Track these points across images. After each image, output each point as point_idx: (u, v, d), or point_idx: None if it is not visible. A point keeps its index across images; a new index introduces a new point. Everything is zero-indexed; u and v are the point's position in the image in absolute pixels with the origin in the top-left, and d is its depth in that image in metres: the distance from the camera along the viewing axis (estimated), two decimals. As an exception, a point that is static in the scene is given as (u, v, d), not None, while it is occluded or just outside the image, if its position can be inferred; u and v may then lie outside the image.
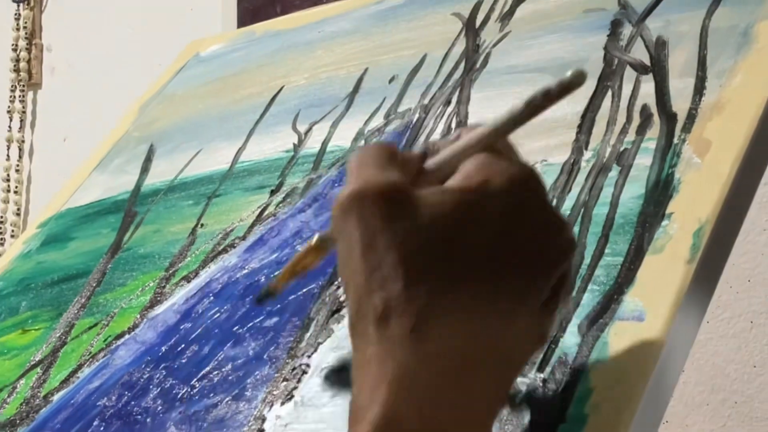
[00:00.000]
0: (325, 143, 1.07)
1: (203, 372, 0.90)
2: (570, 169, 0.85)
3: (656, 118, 0.84)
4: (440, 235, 0.60)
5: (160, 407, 0.90)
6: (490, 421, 0.61)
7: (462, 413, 0.59)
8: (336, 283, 0.90)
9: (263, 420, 0.82)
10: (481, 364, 0.60)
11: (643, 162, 0.81)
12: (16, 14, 2.59)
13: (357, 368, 0.60)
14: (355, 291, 0.61)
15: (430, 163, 0.65)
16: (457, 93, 1.00)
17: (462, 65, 1.03)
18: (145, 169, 1.24)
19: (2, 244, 2.52)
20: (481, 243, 0.60)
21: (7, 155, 2.56)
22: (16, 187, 2.56)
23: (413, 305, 0.59)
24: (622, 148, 0.83)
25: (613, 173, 0.82)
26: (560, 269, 0.63)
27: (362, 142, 1.04)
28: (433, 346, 0.59)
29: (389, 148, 0.65)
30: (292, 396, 0.81)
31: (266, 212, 1.04)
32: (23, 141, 2.58)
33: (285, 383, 0.84)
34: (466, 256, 0.60)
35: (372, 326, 0.59)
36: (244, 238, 1.03)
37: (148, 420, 0.90)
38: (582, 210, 0.81)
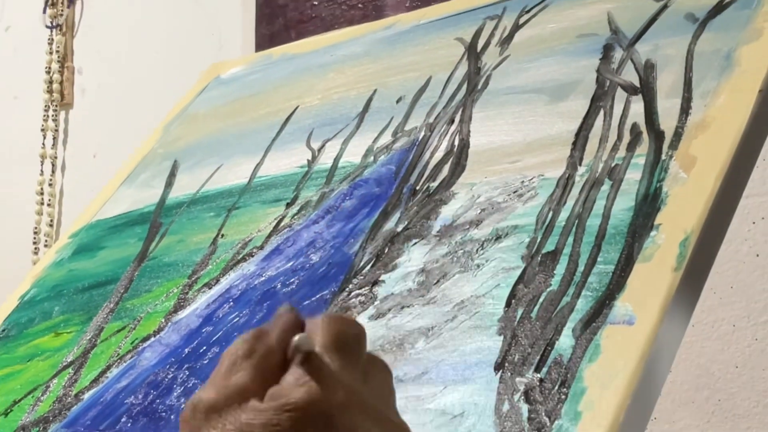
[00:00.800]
0: (336, 159, 1.07)
1: (224, 372, 0.90)
2: (565, 183, 0.85)
3: (645, 135, 0.84)
4: None
5: (183, 405, 0.90)
6: None
7: None
8: (347, 289, 0.90)
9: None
10: None
11: (633, 176, 0.81)
12: (49, 39, 2.59)
13: None
14: None
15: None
16: (459, 112, 1.00)
17: (464, 86, 1.03)
18: (169, 184, 1.24)
19: (36, 253, 2.52)
20: None
21: (41, 170, 2.57)
22: (50, 200, 2.56)
23: None
24: (613, 164, 0.83)
25: (605, 187, 0.82)
26: None
27: (371, 158, 1.04)
28: None
29: (249, 344, 0.60)
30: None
31: (282, 223, 1.04)
32: (56, 157, 2.58)
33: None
34: None
35: None
36: (261, 247, 1.03)
37: (172, 417, 0.90)
38: (576, 221, 0.81)
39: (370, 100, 1.12)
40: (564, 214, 0.82)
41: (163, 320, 1.02)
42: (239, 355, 0.58)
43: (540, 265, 0.79)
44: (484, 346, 0.77)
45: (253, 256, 1.02)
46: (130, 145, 1.41)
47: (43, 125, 2.58)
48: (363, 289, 0.89)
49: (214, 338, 0.95)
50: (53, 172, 2.58)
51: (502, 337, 0.76)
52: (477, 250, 0.84)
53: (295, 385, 0.56)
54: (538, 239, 0.82)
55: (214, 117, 1.32)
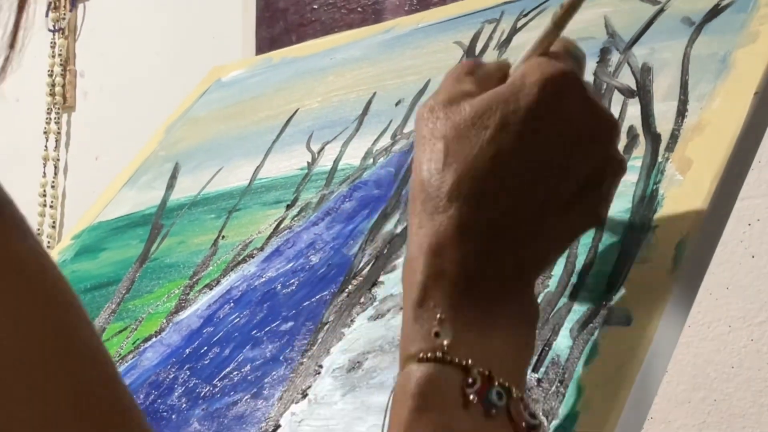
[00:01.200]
0: (336, 161, 1.07)
1: (224, 372, 0.90)
2: (562, 185, 0.85)
3: (642, 138, 0.84)
4: (478, 126, 0.64)
5: (184, 405, 0.90)
6: (527, 285, 0.65)
7: (500, 280, 0.63)
8: (346, 290, 0.90)
9: (279, 417, 0.82)
10: (520, 236, 0.64)
11: (630, 179, 0.81)
12: (51, 43, 2.59)
13: (410, 238, 0.64)
14: (413, 177, 0.66)
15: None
16: (458, 115, 1.00)
17: (462, 89, 1.03)
18: (170, 186, 1.24)
19: (39, 255, 2.52)
20: (516, 129, 0.64)
21: (44, 173, 2.57)
22: (52, 202, 2.56)
23: (451, 184, 0.63)
24: (610, 166, 0.83)
25: (603, 189, 0.82)
26: (599, 152, 0.66)
27: (370, 160, 1.04)
28: (467, 216, 0.62)
29: (469, 64, 0.71)
30: (306, 394, 0.81)
31: (282, 225, 1.04)
32: (58, 160, 2.58)
33: (300, 382, 0.84)
34: (500, 143, 0.64)
35: (419, 202, 0.64)
36: (261, 249, 1.03)
37: (174, 416, 0.90)
38: (573, 223, 0.81)
39: (369, 103, 1.12)
40: (561, 216, 0.82)
41: (164, 321, 1.02)
42: (463, 72, 0.69)
43: (537, 266, 0.79)
44: (482, 347, 0.77)
45: (253, 258, 1.02)
46: (132, 147, 1.41)
47: (45, 128, 2.58)
48: (362, 290, 0.89)
49: (215, 339, 0.95)
50: (56, 174, 2.59)
51: (500, 338, 0.76)
52: (475, 251, 0.84)
53: (536, 64, 0.67)
54: (536, 241, 0.81)
55: (215, 120, 1.32)
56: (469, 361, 0.59)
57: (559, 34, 0.69)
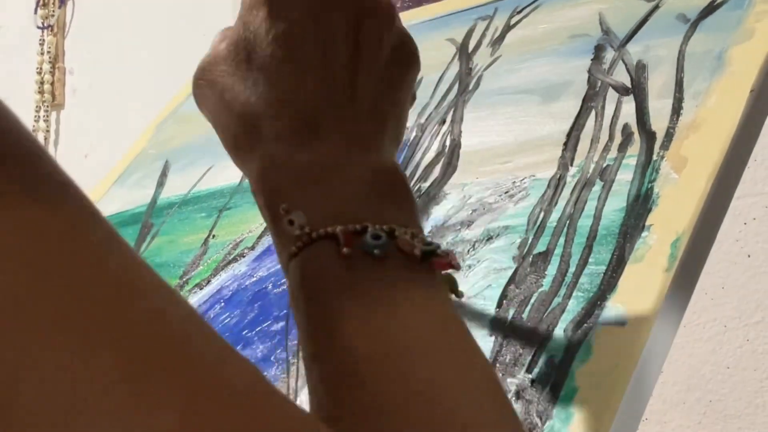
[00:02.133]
0: (328, 160, 1.07)
1: (215, 373, 0.90)
2: (556, 184, 0.85)
3: (636, 136, 0.84)
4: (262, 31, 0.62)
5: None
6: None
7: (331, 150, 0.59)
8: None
9: (271, 417, 0.82)
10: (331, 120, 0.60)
11: (625, 177, 0.81)
12: (40, 40, 2.59)
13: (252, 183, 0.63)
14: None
15: None
16: (451, 113, 1.00)
17: (456, 87, 1.03)
18: (160, 184, 1.24)
19: (28, 254, 2.52)
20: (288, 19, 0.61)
21: (33, 171, 2.56)
22: (41, 200, 2.56)
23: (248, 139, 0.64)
24: (604, 164, 0.83)
25: (597, 188, 0.82)
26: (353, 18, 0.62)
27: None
28: (274, 149, 0.61)
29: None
30: (298, 395, 0.80)
31: (273, 224, 1.04)
32: (47, 158, 2.58)
33: (291, 383, 0.83)
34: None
35: (239, 158, 0.67)
36: (252, 248, 1.02)
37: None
38: (567, 222, 0.81)
39: (361, 100, 1.12)
40: (555, 215, 0.82)
41: (154, 321, 1.02)
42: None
43: (531, 265, 0.79)
44: (475, 347, 0.76)
45: (244, 257, 1.02)
46: (122, 145, 1.41)
47: (34, 126, 2.57)
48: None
49: (205, 339, 0.94)
50: (44, 172, 2.58)
51: (493, 338, 0.76)
52: (468, 250, 0.84)
53: None
54: (530, 240, 0.82)
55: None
56: (337, 228, 0.54)
57: None
